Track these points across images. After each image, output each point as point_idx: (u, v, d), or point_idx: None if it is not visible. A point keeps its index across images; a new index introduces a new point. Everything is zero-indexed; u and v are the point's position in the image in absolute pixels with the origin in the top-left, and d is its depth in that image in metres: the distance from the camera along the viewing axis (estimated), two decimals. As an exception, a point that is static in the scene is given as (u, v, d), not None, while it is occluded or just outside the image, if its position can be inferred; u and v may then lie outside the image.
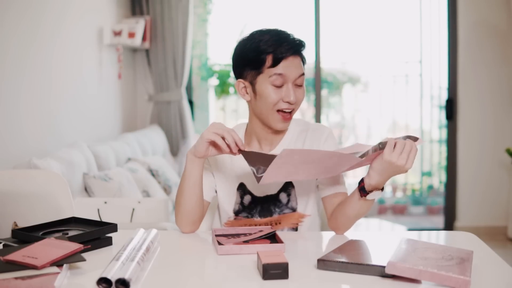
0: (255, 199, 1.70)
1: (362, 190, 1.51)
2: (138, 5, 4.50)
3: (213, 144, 1.54)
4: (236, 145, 1.49)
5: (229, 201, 1.72)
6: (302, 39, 1.67)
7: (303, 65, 1.66)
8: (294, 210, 1.71)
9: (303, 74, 1.64)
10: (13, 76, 2.86)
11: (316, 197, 1.74)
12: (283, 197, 1.71)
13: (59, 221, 1.58)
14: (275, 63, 1.60)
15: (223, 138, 1.50)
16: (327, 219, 1.69)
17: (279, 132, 1.72)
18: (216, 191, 1.74)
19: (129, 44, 4.14)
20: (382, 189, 1.50)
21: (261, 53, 1.60)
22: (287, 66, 1.61)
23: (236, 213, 1.72)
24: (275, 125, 1.65)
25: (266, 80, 1.61)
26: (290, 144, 1.72)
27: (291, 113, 1.64)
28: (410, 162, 1.40)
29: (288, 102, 1.61)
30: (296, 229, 1.72)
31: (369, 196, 1.50)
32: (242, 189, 1.71)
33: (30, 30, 3.00)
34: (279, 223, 1.70)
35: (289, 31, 1.67)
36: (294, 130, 1.74)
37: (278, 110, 1.63)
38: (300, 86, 1.64)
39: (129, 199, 2.88)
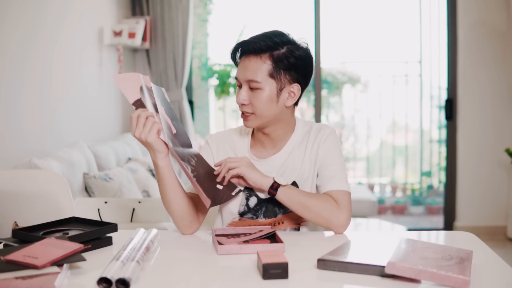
0: (260, 201, 1.70)
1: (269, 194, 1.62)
2: (138, 5, 4.50)
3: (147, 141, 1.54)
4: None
5: (234, 202, 1.72)
6: (267, 40, 1.60)
7: (276, 66, 1.60)
8: None
9: (252, 80, 1.60)
10: (13, 76, 2.86)
11: None
12: None
13: (59, 221, 1.58)
14: (236, 65, 1.68)
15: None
16: None
17: (274, 136, 1.72)
18: None
19: (129, 44, 4.15)
20: (273, 185, 1.60)
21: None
22: (240, 67, 1.65)
23: (241, 214, 1.72)
24: (257, 135, 1.74)
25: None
26: (295, 146, 1.72)
27: (247, 115, 1.65)
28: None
29: (238, 105, 1.66)
30: (298, 229, 1.72)
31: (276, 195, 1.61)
32: (247, 191, 1.71)
33: (30, 30, 3.00)
34: (282, 223, 1.70)
35: (268, 31, 1.65)
36: (300, 131, 1.75)
37: None
38: (254, 90, 1.62)
39: (129, 199, 2.88)
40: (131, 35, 4.13)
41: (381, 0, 5.75)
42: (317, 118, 4.69)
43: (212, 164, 1.73)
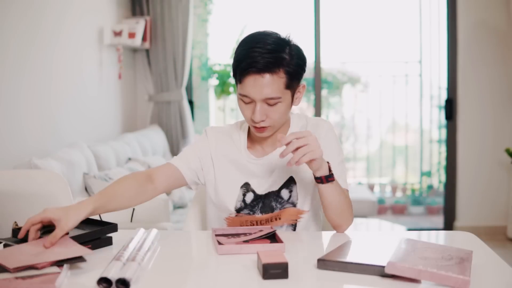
0: (257, 197, 1.70)
1: (315, 177, 1.55)
2: (138, 5, 4.50)
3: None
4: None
5: (230, 198, 1.72)
6: (277, 54, 1.52)
7: (290, 77, 1.55)
8: (294, 205, 1.71)
9: (272, 98, 1.54)
10: (14, 76, 2.86)
11: (315, 194, 1.73)
12: (284, 193, 1.71)
13: (59, 221, 1.58)
14: (240, 81, 1.56)
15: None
16: None
17: (273, 135, 1.71)
18: (201, 182, 1.75)
19: (129, 44, 4.15)
20: (329, 172, 1.54)
21: (233, 67, 1.60)
22: (252, 86, 1.54)
23: (238, 210, 1.72)
24: (254, 134, 1.68)
25: (238, 95, 1.61)
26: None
27: (264, 127, 1.61)
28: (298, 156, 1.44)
29: (253, 120, 1.59)
30: (295, 225, 1.72)
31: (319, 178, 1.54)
32: (245, 187, 1.71)
33: (30, 30, 3.01)
34: (279, 218, 1.70)
35: (269, 41, 1.54)
36: (295, 126, 1.74)
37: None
38: (273, 105, 1.57)
39: (129, 199, 2.88)
40: (131, 35, 4.14)
41: (381, 0, 5.75)
42: (317, 118, 4.69)
43: (202, 154, 1.72)
